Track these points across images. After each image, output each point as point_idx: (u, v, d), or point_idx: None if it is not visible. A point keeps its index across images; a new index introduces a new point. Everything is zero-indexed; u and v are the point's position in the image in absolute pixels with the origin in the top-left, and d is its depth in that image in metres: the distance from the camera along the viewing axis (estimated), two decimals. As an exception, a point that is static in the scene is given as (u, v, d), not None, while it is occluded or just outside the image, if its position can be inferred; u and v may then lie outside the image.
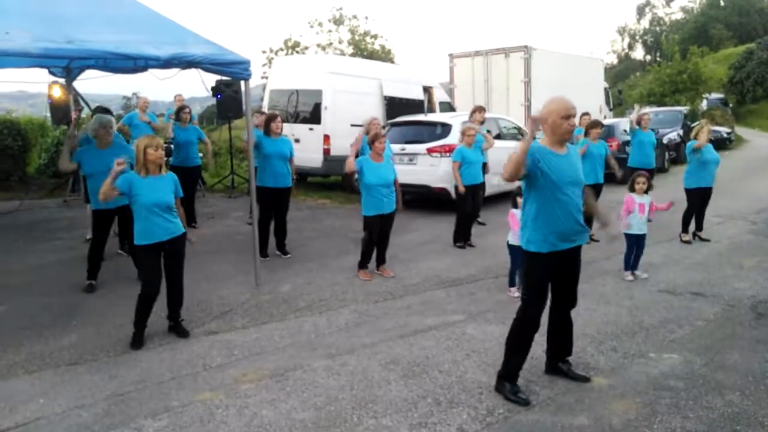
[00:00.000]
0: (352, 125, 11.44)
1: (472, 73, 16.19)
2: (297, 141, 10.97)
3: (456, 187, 8.18)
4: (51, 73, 8.78)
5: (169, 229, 4.90)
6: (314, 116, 12.27)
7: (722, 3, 61.49)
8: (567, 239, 3.92)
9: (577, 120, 5.62)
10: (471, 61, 16.25)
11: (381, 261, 7.05)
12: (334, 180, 13.35)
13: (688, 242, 8.44)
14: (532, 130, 3.79)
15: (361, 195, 6.80)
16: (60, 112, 10.84)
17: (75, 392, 4.13)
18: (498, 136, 11.12)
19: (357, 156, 7.05)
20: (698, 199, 8.45)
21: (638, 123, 9.68)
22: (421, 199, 10.90)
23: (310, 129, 12.19)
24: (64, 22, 5.43)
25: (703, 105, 29.46)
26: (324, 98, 12.09)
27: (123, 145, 6.50)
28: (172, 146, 9.29)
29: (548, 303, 4.17)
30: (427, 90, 14.79)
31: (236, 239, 8.58)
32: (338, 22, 29.72)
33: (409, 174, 9.81)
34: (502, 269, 6.82)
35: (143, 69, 6.74)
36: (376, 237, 6.85)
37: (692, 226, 8.59)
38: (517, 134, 11.94)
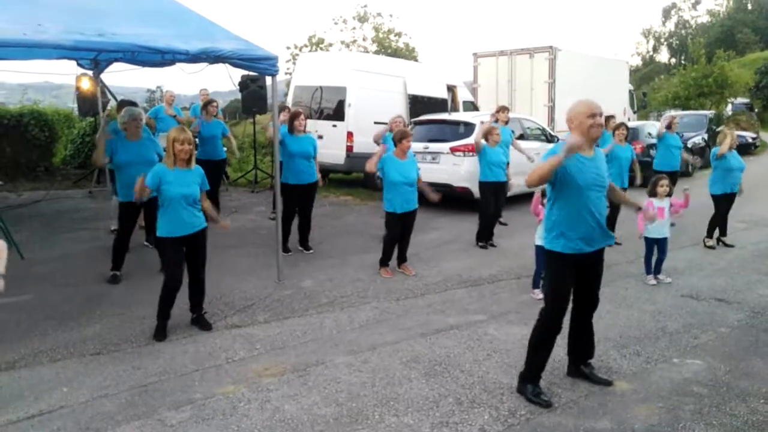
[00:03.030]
0: (375, 122, 11.42)
1: (496, 73, 16.10)
2: (320, 137, 10.98)
3: (479, 186, 8.19)
4: (79, 65, 8.89)
5: (194, 223, 4.95)
6: (338, 113, 12.30)
7: (749, 7, 60.49)
8: (591, 242, 3.91)
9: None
10: (495, 60, 16.15)
11: (402, 259, 7.04)
12: (356, 177, 13.36)
13: (711, 247, 8.35)
14: (570, 150, 3.70)
15: (383, 192, 6.80)
16: (87, 103, 11.01)
17: (99, 382, 4.18)
18: (521, 137, 11.07)
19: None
20: (725, 205, 8.36)
21: (668, 126, 9.63)
22: (443, 198, 10.85)
23: (334, 126, 12.21)
24: (94, 15, 5.49)
25: (729, 109, 29.04)
26: (348, 95, 12.11)
27: (152, 139, 6.57)
28: (197, 140, 9.36)
29: (572, 307, 4.16)
30: (450, 89, 14.76)
31: (259, 234, 8.62)
32: (362, 19, 29.74)
33: (432, 173, 9.79)
34: (525, 270, 6.78)
35: (171, 63, 6.81)
36: (398, 234, 6.84)
37: (716, 232, 8.49)
38: (541, 135, 11.87)
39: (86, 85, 10.53)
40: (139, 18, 5.82)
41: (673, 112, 16.02)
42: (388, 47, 28.50)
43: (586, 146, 3.88)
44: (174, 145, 4.84)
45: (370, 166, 6.80)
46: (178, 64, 6.68)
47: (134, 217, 6.40)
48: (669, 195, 6.85)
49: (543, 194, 5.76)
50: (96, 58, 8.15)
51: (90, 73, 9.61)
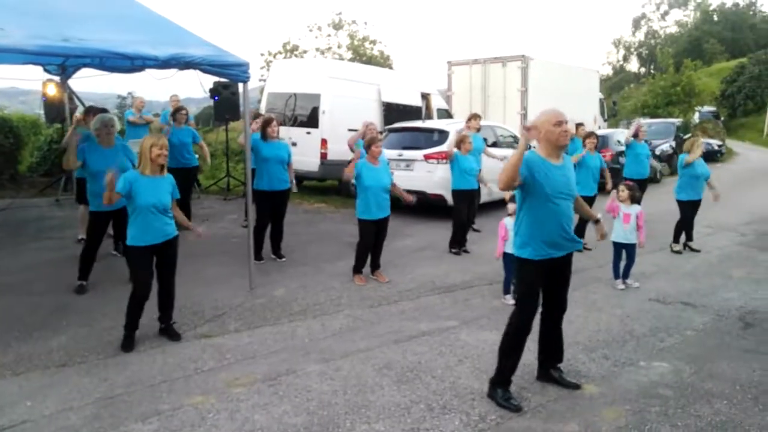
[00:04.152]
0: (349, 130, 11.42)
1: (469, 81, 16.22)
2: (294, 144, 10.96)
3: (452, 194, 8.25)
4: (46, 70, 8.75)
5: (165, 232, 4.89)
6: (312, 120, 12.26)
7: (716, 18, 62.01)
8: (558, 247, 3.97)
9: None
10: (469, 69, 16.28)
11: (376, 266, 7.04)
12: (330, 184, 13.33)
13: (678, 252, 8.52)
14: (525, 138, 3.82)
15: (357, 198, 6.80)
16: (54, 110, 10.81)
17: (64, 395, 4.09)
18: (494, 144, 11.17)
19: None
20: (690, 211, 8.55)
21: (635, 135, 9.83)
22: (416, 205, 10.88)
23: (308, 133, 12.18)
24: (60, 20, 5.41)
25: (696, 117, 29.69)
26: (322, 102, 12.08)
27: (125, 146, 6.47)
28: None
29: (541, 311, 4.21)
30: (425, 96, 14.82)
31: (231, 242, 8.54)
32: (337, 26, 29.79)
33: (406, 180, 9.78)
34: (497, 276, 6.83)
35: (140, 69, 6.70)
36: (371, 242, 6.84)
37: (683, 237, 8.67)
38: (513, 142, 11.98)
39: (52, 91, 10.35)
40: (107, 23, 5.75)
41: (642, 120, 16.32)
42: (362, 55, 28.57)
43: (554, 154, 3.94)
44: (152, 150, 4.78)
45: (348, 173, 6.80)
46: (148, 71, 6.59)
47: (104, 228, 6.29)
48: (637, 203, 6.97)
49: (512, 199, 5.85)
50: (63, 64, 8.00)
51: (57, 78, 9.46)
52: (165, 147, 4.86)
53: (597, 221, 4.44)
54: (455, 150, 8.30)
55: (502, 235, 6.17)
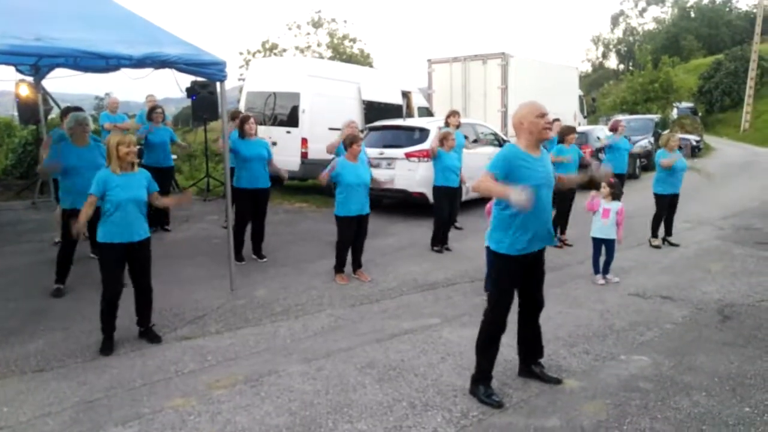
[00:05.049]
0: (330, 128, 11.39)
1: (450, 79, 16.25)
2: (274, 144, 10.88)
3: (433, 191, 8.26)
4: (18, 71, 8.59)
5: (137, 231, 4.81)
6: (292, 119, 12.20)
7: (693, 15, 62.77)
8: (537, 241, 3.97)
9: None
10: (449, 66, 16.30)
11: (358, 265, 7.02)
12: (312, 183, 13.27)
13: (657, 247, 8.60)
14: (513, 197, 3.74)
15: (336, 196, 6.77)
16: (28, 111, 10.64)
17: (41, 400, 4.02)
18: (475, 142, 11.20)
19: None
20: (666, 205, 8.64)
21: (614, 130, 9.92)
22: (398, 204, 10.91)
23: (288, 132, 12.12)
24: (32, 19, 5.31)
25: (674, 113, 30.06)
26: (302, 101, 12.03)
27: (100, 146, 6.37)
28: (143, 147, 9.13)
29: (518, 308, 4.23)
30: (405, 95, 14.82)
31: (211, 243, 8.48)
32: (317, 25, 29.66)
33: (387, 179, 9.81)
34: (478, 273, 6.85)
35: (115, 68, 6.65)
36: (350, 239, 6.83)
37: (662, 232, 8.76)
38: (494, 140, 12.02)
39: (25, 91, 10.17)
40: (80, 22, 5.65)
41: (620, 117, 16.47)
42: (342, 53, 28.49)
43: (535, 146, 3.95)
44: (119, 148, 4.70)
45: (322, 178, 6.80)
46: (123, 70, 6.52)
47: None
48: (618, 199, 7.01)
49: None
50: (36, 64, 7.88)
51: (30, 79, 9.31)
52: (132, 144, 4.78)
53: (590, 177, 4.46)
54: (438, 147, 8.30)
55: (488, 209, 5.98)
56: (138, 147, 8.21)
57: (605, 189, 6.89)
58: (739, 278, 7.04)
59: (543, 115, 3.88)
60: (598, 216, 6.89)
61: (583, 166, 8.79)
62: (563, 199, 8.46)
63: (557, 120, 10.60)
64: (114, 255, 4.77)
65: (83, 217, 4.77)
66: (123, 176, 4.75)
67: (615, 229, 6.87)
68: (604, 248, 6.91)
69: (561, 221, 8.61)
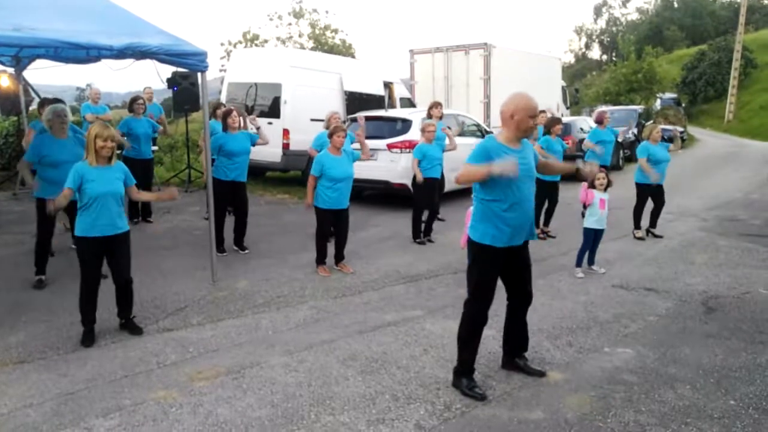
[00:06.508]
0: (311, 119, 11.34)
1: (432, 70, 16.22)
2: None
3: (414, 182, 8.21)
4: (-1, 62, 8.46)
5: (115, 225, 4.76)
6: (273, 110, 12.12)
7: (676, 5, 63.06)
8: (519, 234, 3.96)
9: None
10: (431, 57, 16.27)
11: (340, 257, 7.01)
12: (293, 175, 13.22)
13: (641, 239, 8.65)
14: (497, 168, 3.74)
15: (317, 188, 6.71)
16: (9, 102, 10.55)
17: (23, 392, 3.99)
18: (459, 134, 11.18)
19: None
20: (647, 195, 8.66)
21: (599, 121, 9.94)
22: (381, 195, 10.89)
23: (269, 123, 12.00)
24: (12, 9, 5.23)
25: (657, 104, 30.23)
26: (283, 92, 11.95)
27: (80, 139, 6.28)
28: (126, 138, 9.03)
29: (506, 301, 4.24)
30: (387, 85, 14.78)
31: (193, 234, 8.42)
32: (298, 15, 29.32)
33: (369, 170, 9.77)
34: (461, 265, 6.81)
35: (96, 59, 6.57)
36: (329, 229, 6.81)
37: (645, 223, 8.80)
38: (476, 131, 12.03)
39: (5, 82, 10.07)
40: (60, 13, 5.58)
41: (604, 108, 16.55)
42: (324, 44, 28.23)
43: (516, 140, 3.94)
44: (96, 141, 4.64)
45: (308, 206, 6.84)
46: (104, 61, 6.44)
47: (53, 216, 6.09)
48: (607, 188, 6.99)
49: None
50: (17, 55, 7.77)
51: (10, 70, 9.18)
52: (110, 138, 4.71)
53: (577, 170, 4.48)
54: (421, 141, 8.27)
55: (467, 224, 6.14)
56: (123, 136, 8.16)
57: (601, 180, 6.81)
58: (723, 270, 7.08)
59: (536, 116, 3.91)
60: (595, 208, 6.81)
61: (567, 157, 8.85)
62: (552, 195, 8.54)
63: (543, 112, 10.66)
64: (91, 249, 4.73)
65: (58, 202, 4.68)
66: (99, 170, 4.68)
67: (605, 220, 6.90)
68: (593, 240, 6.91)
69: (547, 215, 8.67)
